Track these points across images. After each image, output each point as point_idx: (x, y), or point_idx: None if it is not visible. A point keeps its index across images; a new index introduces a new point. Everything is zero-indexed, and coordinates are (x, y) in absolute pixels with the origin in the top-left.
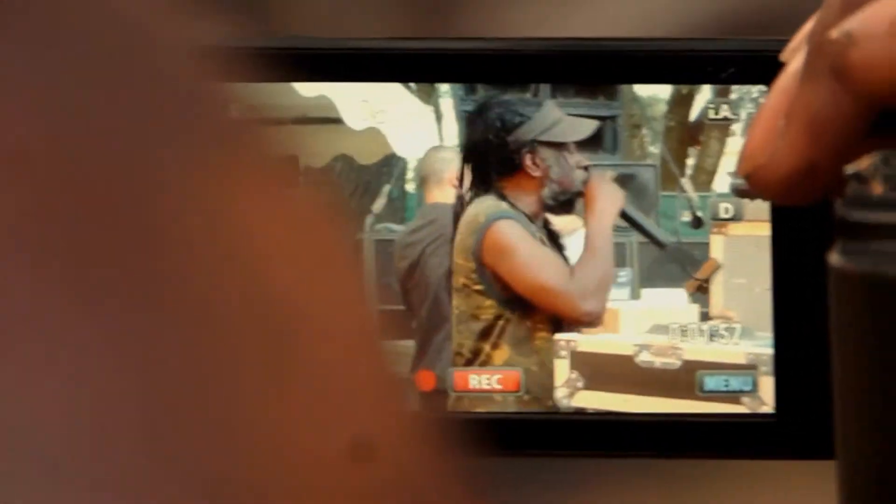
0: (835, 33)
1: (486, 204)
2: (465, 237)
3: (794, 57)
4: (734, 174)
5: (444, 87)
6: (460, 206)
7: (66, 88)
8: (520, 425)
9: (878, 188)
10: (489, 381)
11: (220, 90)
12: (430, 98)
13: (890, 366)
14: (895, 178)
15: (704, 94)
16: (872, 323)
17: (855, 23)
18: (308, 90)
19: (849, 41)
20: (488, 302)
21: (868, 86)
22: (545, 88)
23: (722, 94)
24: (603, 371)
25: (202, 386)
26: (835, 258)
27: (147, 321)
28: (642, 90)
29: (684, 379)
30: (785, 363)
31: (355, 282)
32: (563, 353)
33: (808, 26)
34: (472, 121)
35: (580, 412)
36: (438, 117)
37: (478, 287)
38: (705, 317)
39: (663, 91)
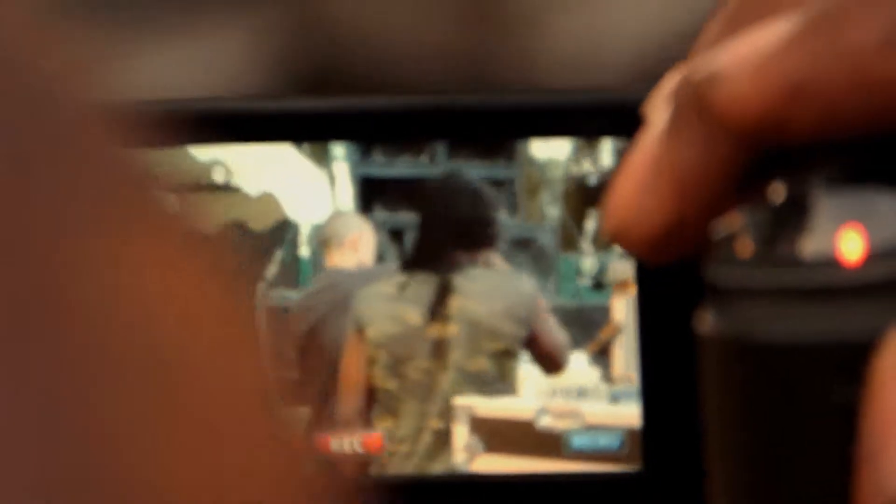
0: (700, 74)
1: (521, 275)
2: (516, 306)
3: (659, 110)
4: None
5: (337, 151)
6: (443, 277)
7: None
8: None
9: (745, 247)
10: (351, 444)
11: (122, 149)
12: (323, 162)
13: (761, 432)
14: (763, 235)
15: (606, 153)
16: (743, 389)
17: (720, 61)
18: (202, 154)
19: (714, 80)
20: (514, 364)
21: (736, 124)
22: (442, 150)
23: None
24: (503, 435)
25: (86, 450)
26: (703, 322)
27: (36, 380)
28: (540, 151)
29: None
30: (654, 421)
31: (252, 347)
32: (463, 417)
33: (673, 79)
34: (442, 189)
35: (450, 474)
36: (332, 181)
37: (517, 350)
38: (607, 379)
39: (562, 152)
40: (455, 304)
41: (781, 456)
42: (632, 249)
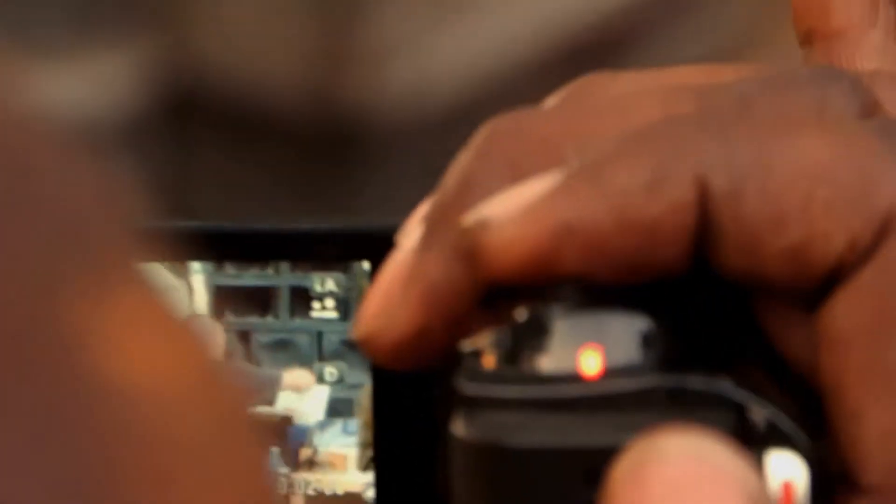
0: (469, 219)
1: None
2: None
3: (411, 235)
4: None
5: (195, 266)
6: None
7: None
8: None
9: (490, 363)
10: None
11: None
12: (182, 274)
13: None
14: (506, 353)
15: None
16: (490, 491)
17: (488, 209)
18: None
19: (484, 226)
20: None
21: (497, 269)
22: (286, 265)
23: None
24: None
25: None
26: (455, 426)
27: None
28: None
29: None
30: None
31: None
32: (297, 491)
33: (424, 209)
34: None
35: None
36: (190, 290)
37: None
38: None
39: None
40: None
41: None
42: (377, 356)
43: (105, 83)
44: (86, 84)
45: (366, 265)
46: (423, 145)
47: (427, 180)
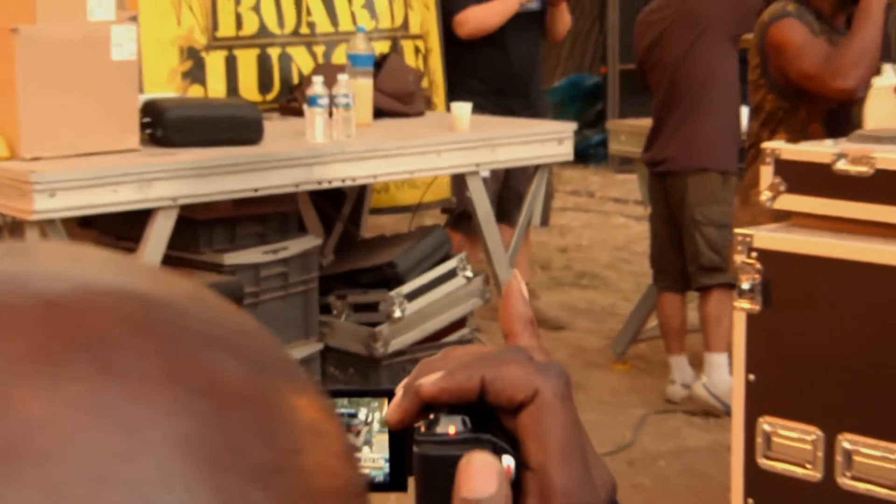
0: (416, 385)
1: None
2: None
3: (399, 390)
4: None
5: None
6: None
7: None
8: None
9: (423, 429)
10: None
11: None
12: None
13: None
14: (428, 426)
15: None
16: (419, 473)
17: (421, 382)
18: None
19: (419, 385)
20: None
21: (426, 398)
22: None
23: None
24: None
25: None
26: (415, 448)
27: None
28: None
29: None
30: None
31: None
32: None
33: (404, 382)
34: None
35: None
36: None
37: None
38: None
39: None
40: None
41: None
42: (390, 425)
43: None
44: None
45: (385, 400)
46: None
47: None
